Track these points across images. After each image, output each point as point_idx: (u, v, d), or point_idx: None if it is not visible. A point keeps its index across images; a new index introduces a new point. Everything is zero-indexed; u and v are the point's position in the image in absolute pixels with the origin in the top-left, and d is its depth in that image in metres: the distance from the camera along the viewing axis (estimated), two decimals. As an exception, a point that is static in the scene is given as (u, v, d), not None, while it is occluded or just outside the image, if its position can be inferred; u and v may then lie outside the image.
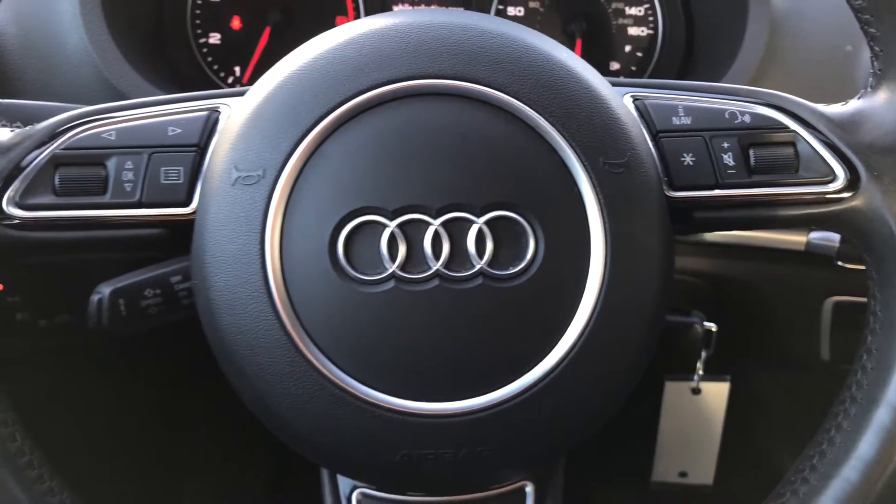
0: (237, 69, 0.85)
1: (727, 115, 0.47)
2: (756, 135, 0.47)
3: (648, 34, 0.87)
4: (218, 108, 0.47)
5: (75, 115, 0.46)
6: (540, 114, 0.43)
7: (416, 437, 0.42)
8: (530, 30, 0.47)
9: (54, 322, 0.80)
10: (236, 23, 0.85)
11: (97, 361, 0.88)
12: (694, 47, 0.86)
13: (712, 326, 0.70)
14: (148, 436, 0.98)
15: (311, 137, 0.42)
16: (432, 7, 0.47)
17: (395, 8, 0.86)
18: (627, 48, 0.87)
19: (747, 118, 0.47)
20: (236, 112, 0.45)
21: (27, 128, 0.46)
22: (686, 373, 0.74)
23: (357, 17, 0.86)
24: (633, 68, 0.88)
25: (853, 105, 0.48)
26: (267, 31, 0.84)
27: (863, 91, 0.48)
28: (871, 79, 0.48)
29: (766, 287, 0.78)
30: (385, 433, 0.42)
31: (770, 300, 0.80)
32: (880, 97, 0.47)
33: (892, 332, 0.46)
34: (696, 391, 0.73)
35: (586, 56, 0.84)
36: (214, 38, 0.85)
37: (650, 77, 0.88)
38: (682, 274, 0.78)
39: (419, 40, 0.44)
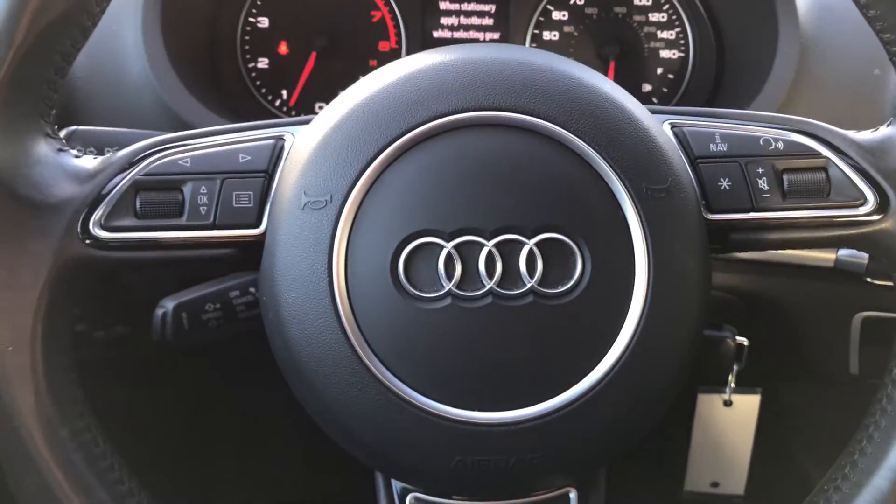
0: (284, 93, 0.89)
1: (762, 142, 0.50)
2: (789, 161, 0.50)
3: (680, 57, 0.90)
4: (283, 136, 0.50)
5: (153, 143, 0.50)
6: (586, 142, 0.46)
7: (471, 445, 0.45)
8: (576, 63, 0.50)
9: (110, 334, 0.84)
10: (283, 48, 0.88)
11: (146, 372, 0.92)
12: (725, 69, 0.89)
13: (744, 341, 0.72)
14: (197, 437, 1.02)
15: (374, 165, 0.45)
16: (484, 43, 0.50)
17: (435, 33, 0.90)
18: (659, 70, 0.90)
19: (781, 145, 0.50)
20: (303, 140, 0.48)
21: (109, 155, 0.50)
22: (718, 385, 0.76)
23: (399, 42, 0.89)
24: (665, 90, 0.90)
25: (882, 132, 0.51)
26: (313, 56, 0.88)
27: (892, 118, 0.51)
28: None
29: (796, 302, 0.80)
30: (441, 440, 0.45)
31: (800, 315, 0.82)
32: None
33: None
34: (728, 403, 0.75)
35: (619, 78, 0.88)
36: (262, 63, 0.89)
37: (681, 98, 0.90)
38: (715, 290, 0.80)
39: (473, 75, 0.47)
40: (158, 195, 0.48)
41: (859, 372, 0.81)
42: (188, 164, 0.49)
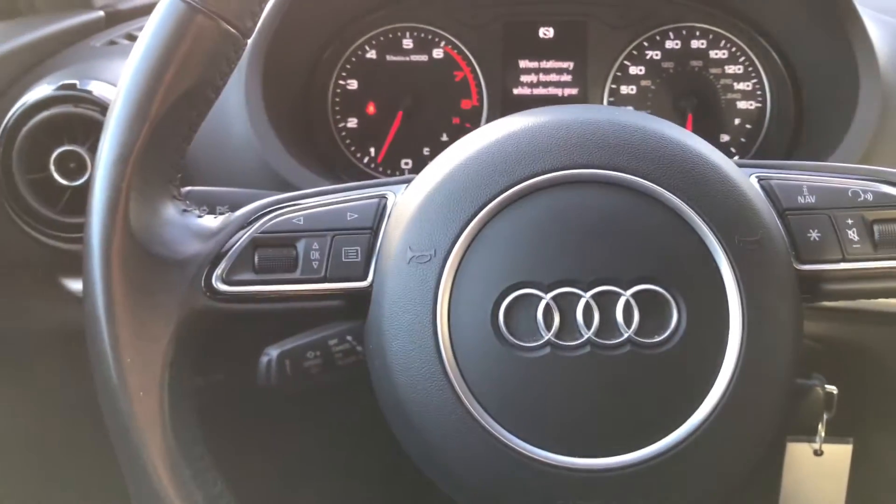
0: (372, 150, 0.93)
1: (850, 194, 0.51)
2: (879, 211, 0.51)
3: (757, 107, 0.91)
4: (385, 195, 0.54)
5: (269, 203, 0.54)
6: (679, 197, 0.48)
7: (571, 490, 0.47)
8: (663, 120, 0.52)
9: (209, 380, 0.88)
10: (371, 108, 0.93)
11: (242, 415, 0.95)
12: (804, 119, 0.89)
13: (833, 389, 0.72)
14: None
15: (475, 221, 0.48)
16: (573, 104, 0.53)
17: (515, 91, 0.94)
18: (737, 121, 0.91)
19: (870, 196, 0.51)
20: (406, 199, 0.52)
21: (228, 215, 0.54)
22: (808, 434, 0.75)
23: (480, 100, 0.93)
24: (743, 140, 0.91)
25: None
26: (399, 115, 0.92)
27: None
28: None
29: (885, 350, 0.79)
30: (542, 485, 0.47)
31: (890, 363, 0.81)
32: None
33: None
34: (819, 453, 0.74)
35: (697, 129, 0.90)
36: (352, 123, 0.93)
37: (760, 148, 0.91)
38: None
39: (567, 134, 0.49)
40: (274, 251, 0.52)
41: (954, 422, 0.79)
42: (301, 222, 0.52)
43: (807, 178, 0.53)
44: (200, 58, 0.50)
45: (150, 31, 0.50)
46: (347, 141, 0.93)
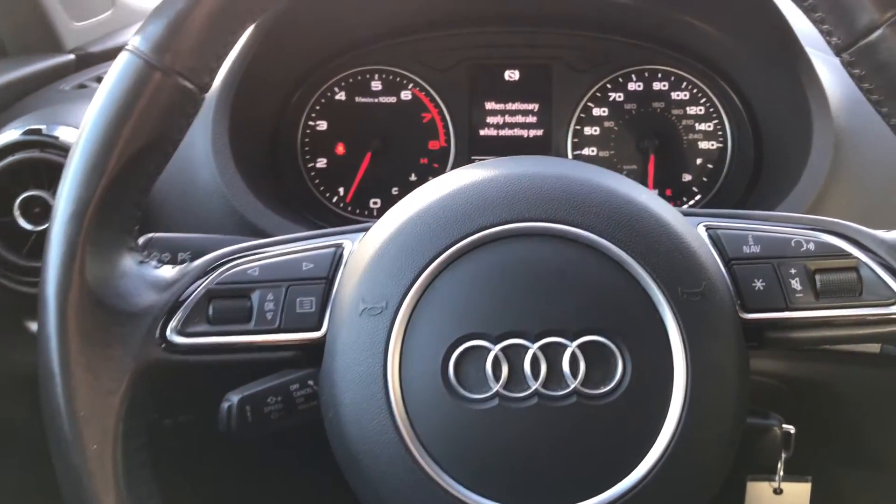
0: (341, 190, 0.94)
1: (793, 244, 0.53)
2: (821, 261, 0.52)
3: (718, 147, 0.93)
4: (342, 244, 0.55)
5: (225, 254, 0.54)
6: (623, 250, 0.49)
7: None
8: (613, 173, 0.54)
9: (178, 422, 0.88)
10: (340, 149, 0.94)
11: (210, 457, 0.95)
12: (763, 158, 0.91)
13: (790, 429, 0.73)
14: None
15: (426, 274, 0.49)
16: (525, 156, 0.54)
17: (482, 132, 0.95)
18: (699, 161, 0.93)
19: (812, 246, 0.53)
20: (360, 250, 0.53)
21: (185, 265, 0.54)
22: (768, 473, 0.76)
23: (448, 141, 0.95)
24: (705, 179, 0.93)
25: None
26: (368, 155, 0.94)
27: (920, 217, 0.53)
28: None
29: (844, 388, 0.80)
30: None
31: (849, 401, 0.82)
32: None
33: None
34: (778, 491, 0.75)
35: (659, 170, 0.92)
36: (321, 163, 0.95)
37: (721, 186, 0.93)
38: (761, 376, 0.81)
39: (516, 189, 0.51)
40: (229, 302, 0.53)
41: (915, 457, 0.80)
42: (256, 273, 0.53)
43: (753, 228, 0.54)
44: (157, 113, 0.51)
45: (108, 87, 0.50)
46: (317, 181, 0.94)
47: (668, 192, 0.93)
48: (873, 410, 0.82)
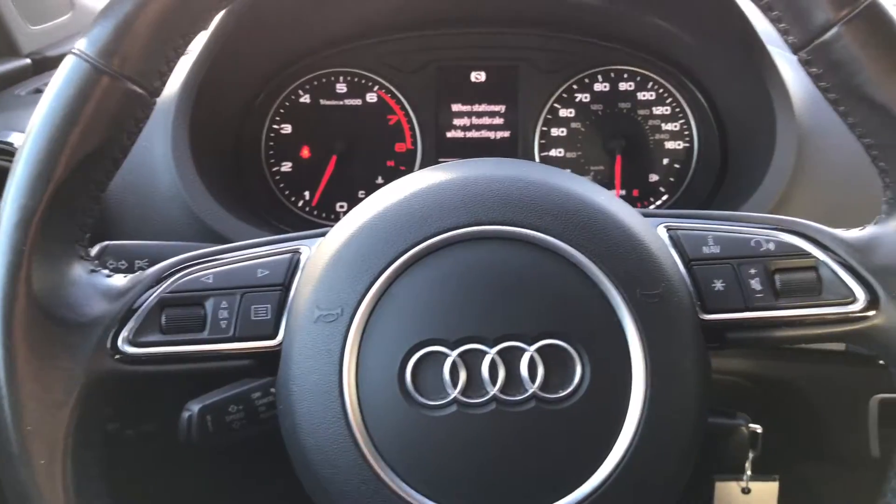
0: (307, 194, 0.93)
1: (753, 244, 0.52)
2: (781, 261, 0.52)
3: (685, 147, 0.93)
4: (298, 249, 0.54)
5: (178, 262, 0.53)
6: (581, 252, 0.48)
7: None
8: (572, 175, 0.53)
9: (141, 431, 0.86)
10: (305, 152, 0.93)
11: (174, 467, 0.94)
12: (729, 157, 0.92)
13: (757, 428, 0.73)
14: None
15: (382, 280, 0.48)
16: (484, 159, 0.54)
17: (448, 134, 0.95)
18: (665, 161, 0.93)
19: (772, 245, 0.52)
20: (316, 256, 0.52)
21: (138, 273, 0.53)
22: (736, 472, 0.76)
23: (414, 143, 0.94)
24: (672, 179, 0.93)
25: (869, 230, 0.52)
26: (333, 159, 0.93)
27: (878, 217, 0.53)
28: (884, 206, 0.52)
29: (810, 386, 0.81)
30: None
31: (816, 398, 0.82)
32: (893, 224, 0.51)
33: None
34: (746, 490, 0.75)
35: (626, 170, 0.92)
36: (286, 167, 0.93)
37: (688, 186, 0.93)
38: (728, 375, 0.81)
39: (473, 192, 0.50)
40: (182, 311, 0.51)
41: (881, 454, 0.81)
42: (210, 281, 0.52)
43: (713, 228, 0.54)
44: (106, 119, 0.50)
45: (54, 92, 0.49)
46: (282, 185, 0.93)
47: (636, 193, 0.93)
48: (840, 408, 0.82)
